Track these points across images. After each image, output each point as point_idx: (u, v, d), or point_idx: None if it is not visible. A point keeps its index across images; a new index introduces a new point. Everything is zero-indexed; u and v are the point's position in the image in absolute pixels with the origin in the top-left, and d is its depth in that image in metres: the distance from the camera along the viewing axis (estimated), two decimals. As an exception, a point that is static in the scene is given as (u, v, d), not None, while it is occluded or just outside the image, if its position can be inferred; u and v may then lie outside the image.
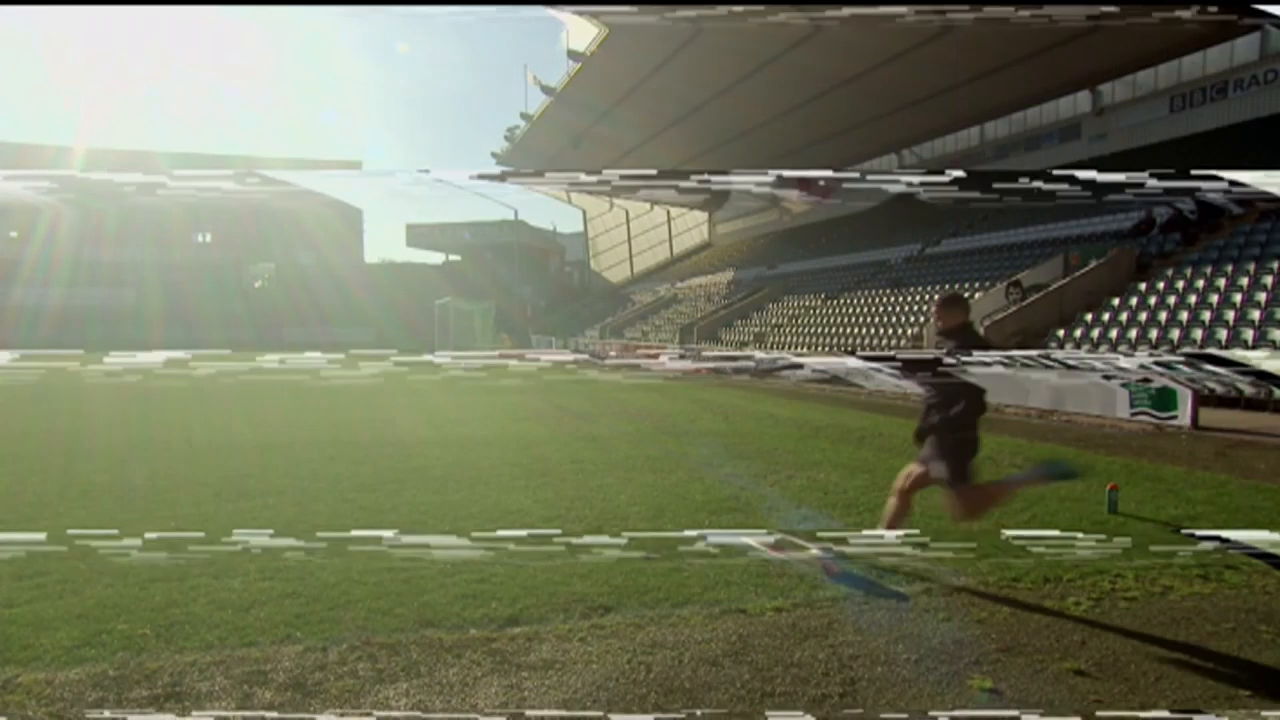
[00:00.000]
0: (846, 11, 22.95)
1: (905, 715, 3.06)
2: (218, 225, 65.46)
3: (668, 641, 3.74)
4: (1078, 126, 29.14)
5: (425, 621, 3.94)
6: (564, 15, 28.07)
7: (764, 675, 3.39)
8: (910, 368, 4.72)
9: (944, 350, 4.66)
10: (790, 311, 31.47)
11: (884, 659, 3.55)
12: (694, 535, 5.46)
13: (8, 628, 3.81)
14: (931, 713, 3.07)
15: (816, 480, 7.62)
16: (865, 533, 5.30)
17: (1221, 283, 16.46)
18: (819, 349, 25.43)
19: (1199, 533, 5.31)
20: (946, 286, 24.29)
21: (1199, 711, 3.08)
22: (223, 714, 3.05)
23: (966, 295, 5.19)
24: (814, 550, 5.04)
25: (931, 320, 21.59)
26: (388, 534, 5.40)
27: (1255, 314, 14.87)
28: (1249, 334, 14.41)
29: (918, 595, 4.36)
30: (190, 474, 7.79)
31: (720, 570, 4.74)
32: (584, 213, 65.13)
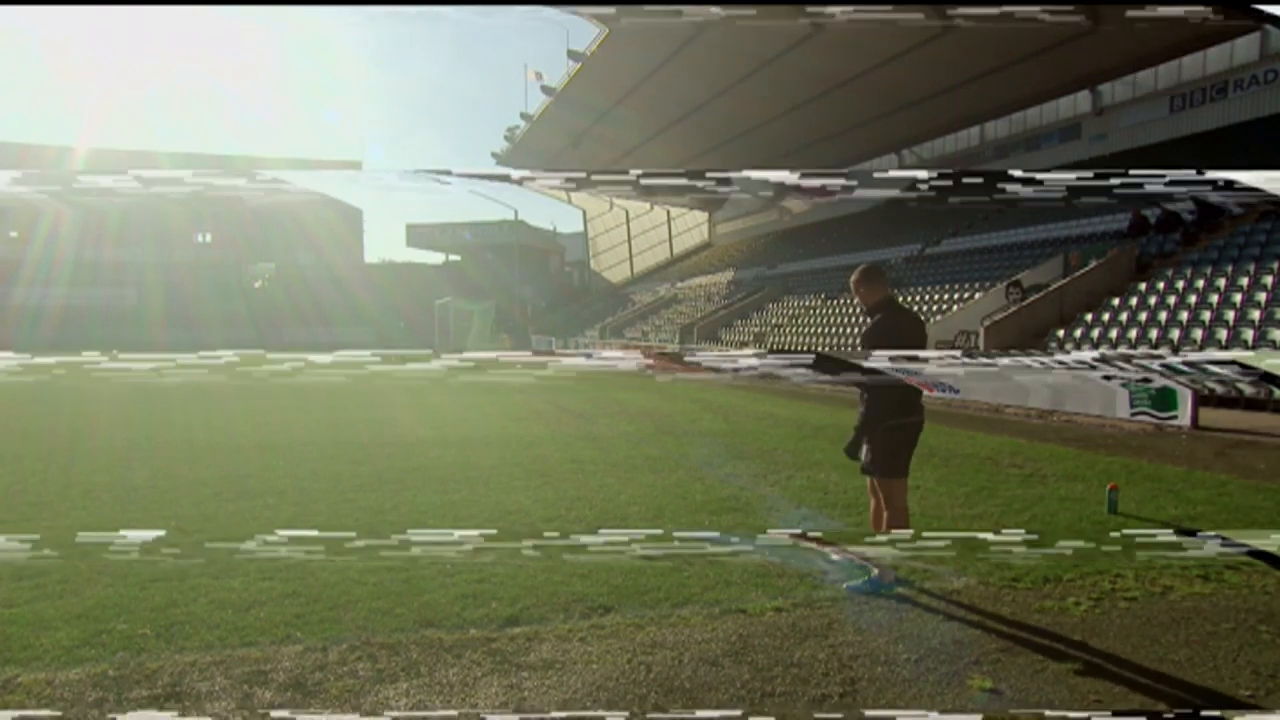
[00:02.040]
0: (846, 10, 22.95)
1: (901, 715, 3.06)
2: (218, 225, 65.46)
3: (668, 641, 3.74)
4: (1078, 126, 29.13)
5: (425, 621, 3.94)
6: (564, 15, 28.11)
7: (764, 675, 3.39)
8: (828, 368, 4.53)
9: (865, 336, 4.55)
10: (790, 311, 31.46)
11: (884, 659, 3.55)
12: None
13: (8, 628, 3.81)
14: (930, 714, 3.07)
15: (816, 480, 7.62)
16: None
17: (1221, 283, 16.45)
18: (820, 349, 25.42)
19: None
20: (947, 286, 24.30)
21: (1199, 712, 3.08)
22: (222, 714, 3.05)
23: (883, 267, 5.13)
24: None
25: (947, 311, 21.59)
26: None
27: (1255, 314, 14.87)
28: (1249, 334, 14.40)
29: (917, 595, 4.36)
30: (190, 474, 7.79)
31: (720, 570, 4.74)
32: (584, 213, 65.14)
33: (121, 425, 11.98)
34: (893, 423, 4.32)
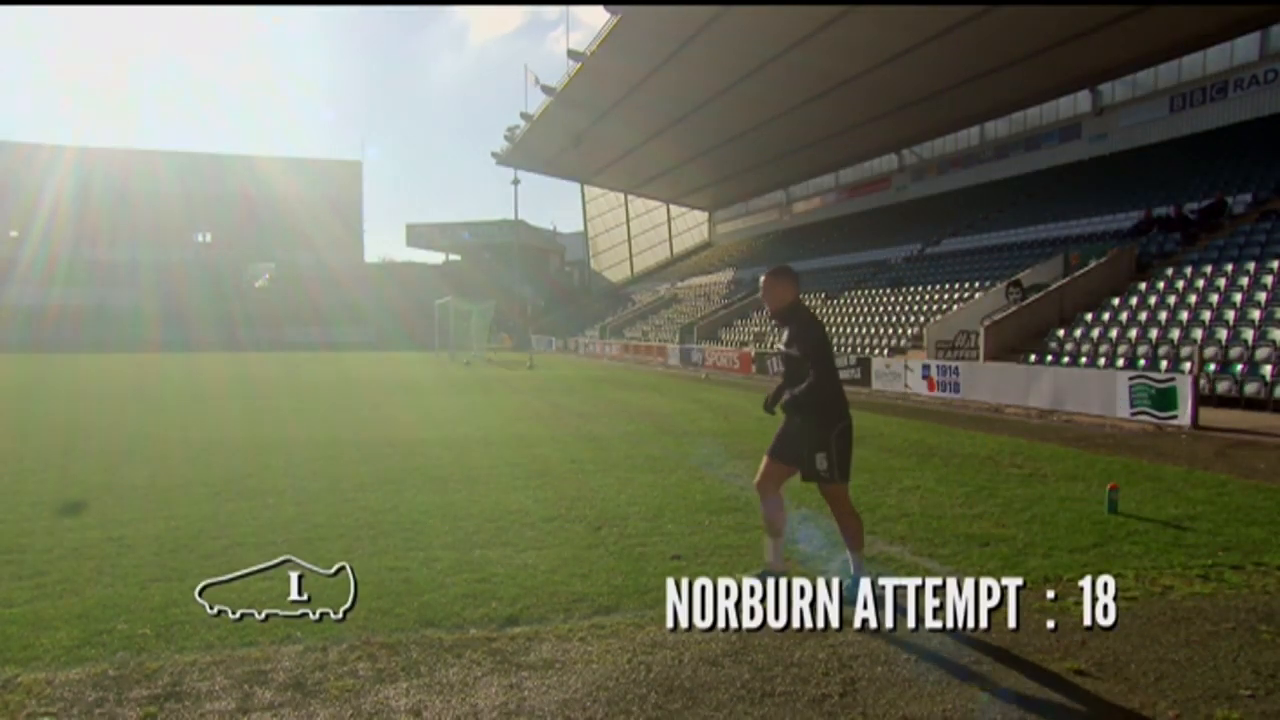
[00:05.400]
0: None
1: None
2: (217, 225, 65.48)
3: (668, 641, 3.73)
4: (1078, 126, 29.13)
5: (425, 621, 3.94)
6: (564, 14, 28.23)
7: (764, 675, 3.38)
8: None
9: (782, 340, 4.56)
10: (790, 311, 31.42)
11: (884, 659, 3.55)
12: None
13: (8, 628, 3.81)
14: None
15: (816, 480, 7.60)
16: None
17: (1221, 283, 16.44)
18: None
19: None
20: (947, 286, 24.30)
21: (1199, 711, 3.08)
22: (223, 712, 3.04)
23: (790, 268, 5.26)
24: None
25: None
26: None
27: (1255, 314, 14.86)
28: (1249, 334, 14.40)
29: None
30: (190, 474, 7.79)
31: (720, 569, 4.73)
32: (584, 213, 65.13)
33: (121, 425, 11.98)
34: (843, 426, 4.25)
